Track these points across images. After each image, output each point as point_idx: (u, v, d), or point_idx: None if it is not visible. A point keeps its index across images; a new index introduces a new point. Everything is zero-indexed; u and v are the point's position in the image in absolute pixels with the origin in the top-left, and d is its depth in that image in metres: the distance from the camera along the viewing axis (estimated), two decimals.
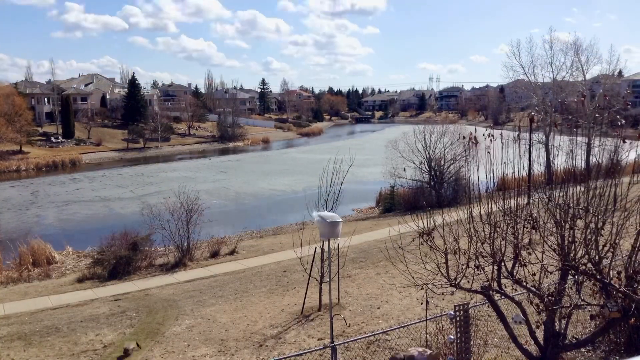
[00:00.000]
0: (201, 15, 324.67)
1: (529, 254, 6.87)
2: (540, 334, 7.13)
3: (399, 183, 32.55)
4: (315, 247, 13.01)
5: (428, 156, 32.75)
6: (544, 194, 6.98)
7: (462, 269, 6.88)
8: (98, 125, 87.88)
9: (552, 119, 35.66)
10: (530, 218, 6.90)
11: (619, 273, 6.62)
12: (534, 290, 6.75)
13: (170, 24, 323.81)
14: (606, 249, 6.36)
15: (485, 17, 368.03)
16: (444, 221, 7.21)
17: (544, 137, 32.13)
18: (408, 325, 9.43)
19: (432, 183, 32.64)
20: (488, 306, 7.74)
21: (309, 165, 58.33)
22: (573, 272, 6.59)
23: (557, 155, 7.64)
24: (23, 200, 43.88)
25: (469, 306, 8.16)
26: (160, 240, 21.78)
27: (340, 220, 10.07)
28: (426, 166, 32.81)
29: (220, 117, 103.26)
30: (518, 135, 7.46)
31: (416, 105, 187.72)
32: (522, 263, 6.84)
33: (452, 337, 7.96)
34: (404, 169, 28.69)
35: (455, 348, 7.89)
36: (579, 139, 7.27)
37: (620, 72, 50.73)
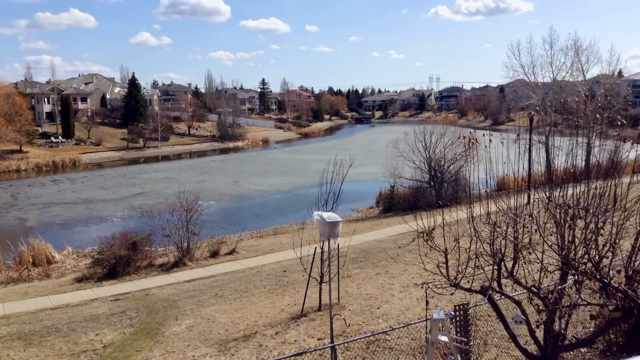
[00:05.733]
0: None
1: (529, 253, 6.87)
2: (540, 334, 7.13)
3: (399, 183, 32.57)
4: (315, 247, 13.02)
5: (428, 156, 32.75)
6: (544, 194, 6.98)
7: (462, 268, 6.88)
8: (98, 125, 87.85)
9: (552, 119, 35.65)
10: (530, 218, 6.90)
11: (618, 272, 6.63)
12: (534, 290, 6.75)
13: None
14: (606, 248, 6.36)
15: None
16: (444, 221, 7.21)
17: (544, 137, 32.13)
18: (408, 325, 9.43)
19: (432, 183, 32.64)
20: (488, 306, 7.74)
21: (307, 165, 58.30)
22: (573, 271, 6.59)
23: (557, 155, 7.64)
24: (4, 203, 43.16)
25: (469, 306, 8.16)
26: (160, 240, 21.82)
27: (340, 220, 10.08)
28: (426, 166, 32.81)
29: (220, 117, 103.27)
30: (518, 135, 7.47)
31: (416, 105, 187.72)
32: (522, 262, 6.84)
33: (452, 336, 7.95)
34: (402, 169, 28.71)
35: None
36: (579, 139, 7.26)
37: (620, 72, 50.78)
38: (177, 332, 12.41)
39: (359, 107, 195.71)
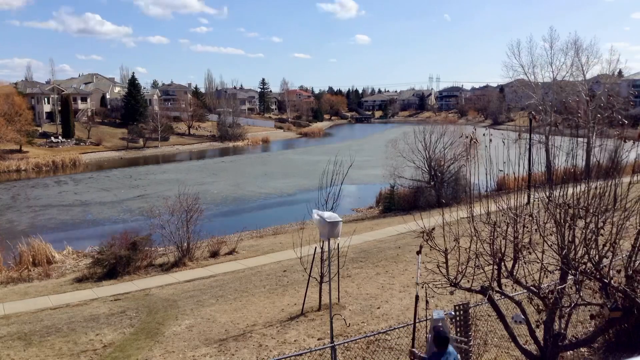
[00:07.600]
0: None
1: (529, 253, 6.87)
2: (540, 334, 7.14)
3: (399, 183, 32.55)
4: (315, 247, 13.02)
5: (428, 156, 32.76)
6: (544, 194, 6.98)
7: (462, 268, 6.88)
8: (98, 125, 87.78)
9: (552, 119, 35.69)
10: (530, 217, 6.90)
11: (618, 272, 6.62)
12: (534, 290, 6.75)
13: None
14: (606, 248, 6.36)
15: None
16: (444, 221, 7.21)
17: (544, 137, 32.16)
18: (408, 325, 9.42)
19: (432, 183, 32.64)
20: (488, 306, 7.74)
21: (307, 166, 58.17)
22: (573, 271, 6.60)
23: (557, 155, 7.64)
24: (3, 205, 42.79)
25: (469, 306, 8.16)
26: (160, 240, 21.80)
27: (340, 220, 10.08)
28: (426, 166, 32.81)
29: (220, 117, 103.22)
30: (518, 135, 7.47)
31: (416, 105, 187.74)
32: (522, 262, 6.84)
33: (452, 336, 7.95)
34: (402, 169, 28.70)
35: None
36: (579, 139, 7.27)
37: (620, 72, 50.74)
38: (177, 332, 12.42)
39: (359, 107, 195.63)
